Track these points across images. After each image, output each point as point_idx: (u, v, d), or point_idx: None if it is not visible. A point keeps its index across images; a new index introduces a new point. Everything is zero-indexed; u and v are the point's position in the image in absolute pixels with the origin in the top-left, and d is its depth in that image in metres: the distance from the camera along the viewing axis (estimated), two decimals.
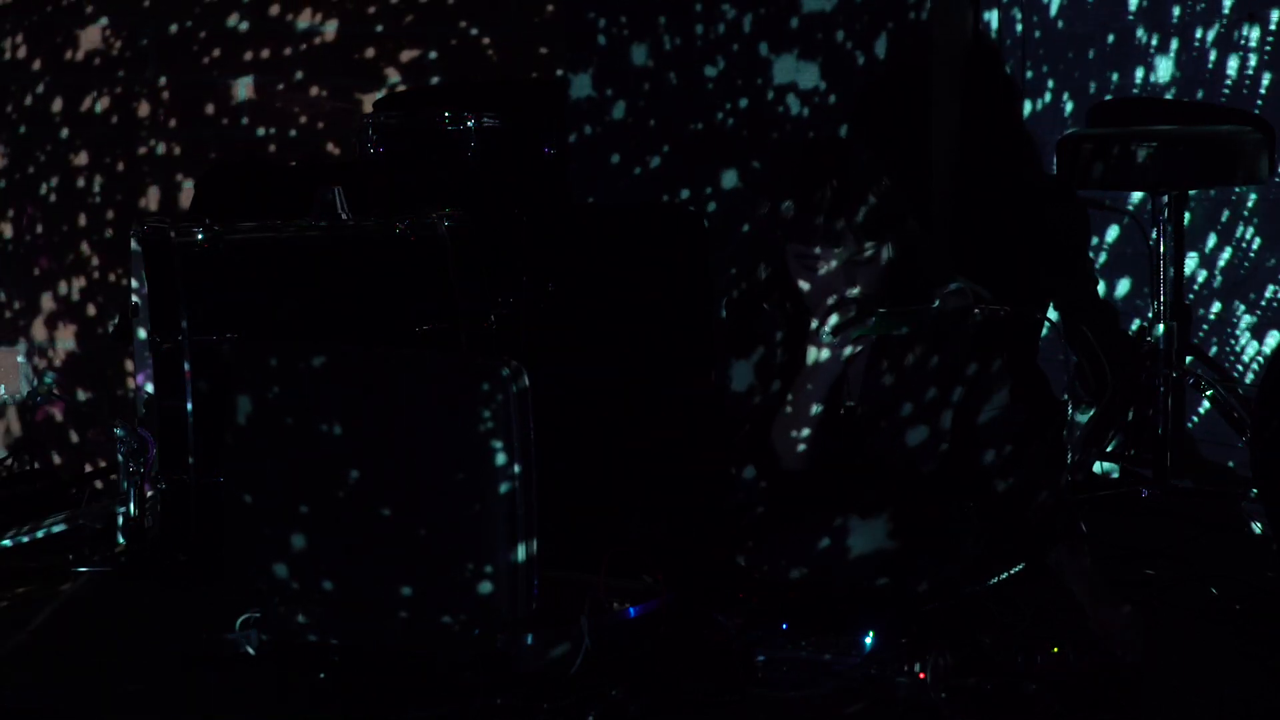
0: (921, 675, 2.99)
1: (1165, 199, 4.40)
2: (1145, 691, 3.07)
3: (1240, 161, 4.32)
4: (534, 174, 4.57)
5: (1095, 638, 3.16)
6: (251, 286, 3.98)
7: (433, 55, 5.24)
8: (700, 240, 4.75)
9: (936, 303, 3.39)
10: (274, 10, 5.17)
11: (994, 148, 4.92)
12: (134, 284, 4.09)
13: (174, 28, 5.08)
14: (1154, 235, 4.43)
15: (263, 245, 4.04)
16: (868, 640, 3.10)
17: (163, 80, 5.08)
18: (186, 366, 3.84)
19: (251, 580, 3.25)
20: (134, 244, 4.03)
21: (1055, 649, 3.07)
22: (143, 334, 3.99)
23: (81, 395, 4.94)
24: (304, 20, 5.18)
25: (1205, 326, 4.62)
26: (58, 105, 5.01)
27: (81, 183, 5.05)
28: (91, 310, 5.07)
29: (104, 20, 5.01)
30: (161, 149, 5.09)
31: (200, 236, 3.95)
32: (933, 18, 4.68)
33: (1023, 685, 3.00)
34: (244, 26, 5.14)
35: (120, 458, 3.98)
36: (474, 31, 5.26)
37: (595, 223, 4.83)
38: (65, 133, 5.02)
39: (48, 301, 5.04)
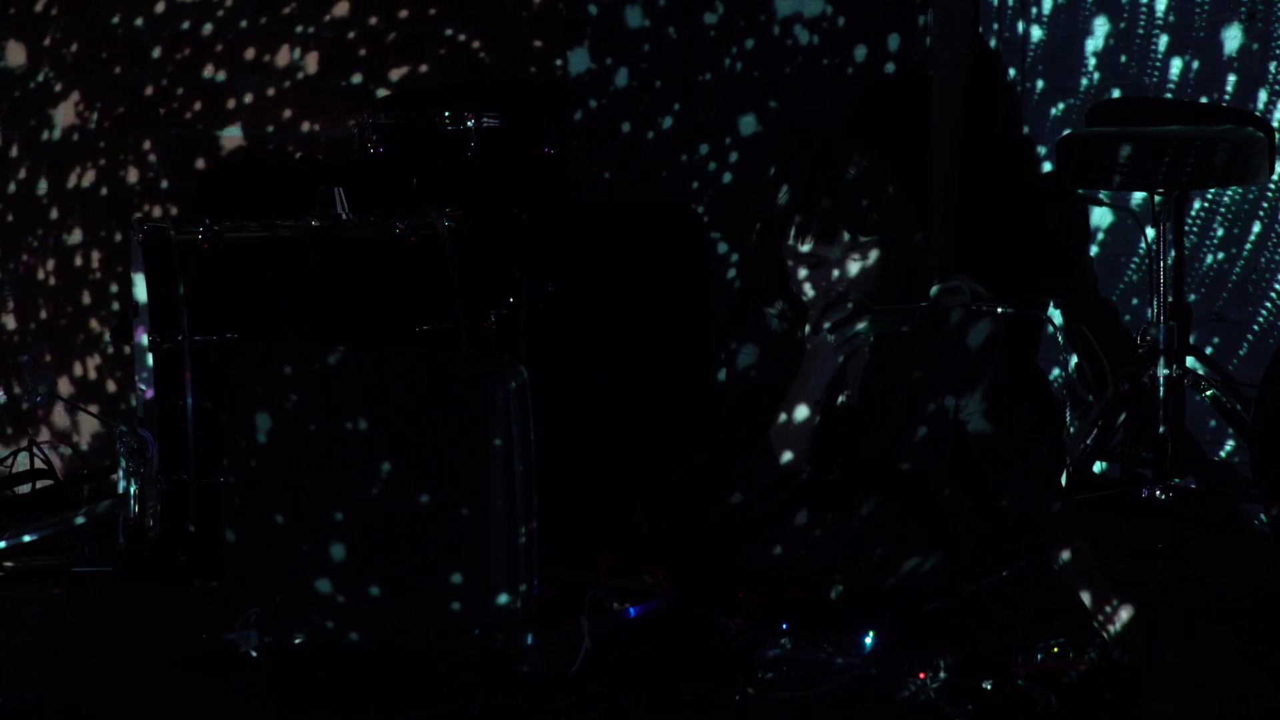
0: (921, 675, 2.99)
1: (1165, 199, 4.40)
2: (1145, 691, 3.07)
3: (1240, 161, 4.31)
4: (534, 174, 4.57)
5: (1095, 638, 3.16)
6: (251, 286, 3.98)
7: (424, 69, 5.18)
8: (700, 239, 4.74)
9: (934, 301, 3.39)
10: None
11: (994, 147, 4.91)
12: (134, 283, 4.09)
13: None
14: (1154, 235, 4.43)
15: (263, 245, 4.04)
16: (868, 640, 3.10)
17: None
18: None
19: (252, 579, 3.24)
20: (134, 243, 4.04)
21: (1055, 649, 3.07)
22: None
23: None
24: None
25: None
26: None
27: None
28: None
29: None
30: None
31: (200, 236, 3.95)
32: (933, 17, 4.67)
33: (1023, 685, 3.00)
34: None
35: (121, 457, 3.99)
36: (462, 37, 5.18)
37: (595, 222, 4.83)
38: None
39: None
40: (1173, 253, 4.46)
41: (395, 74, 5.17)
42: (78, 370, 4.94)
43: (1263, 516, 4.00)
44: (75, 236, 4.93)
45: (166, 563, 3.89)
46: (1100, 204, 4.78)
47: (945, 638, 3.25)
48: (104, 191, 4.96)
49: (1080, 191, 4.76)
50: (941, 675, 2.99)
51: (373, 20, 5.16)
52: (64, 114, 4.90)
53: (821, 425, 3.41)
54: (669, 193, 4.73)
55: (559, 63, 5.11)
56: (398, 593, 3.10)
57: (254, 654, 3.19)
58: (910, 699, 2.98)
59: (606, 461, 4.43)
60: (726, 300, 4.61)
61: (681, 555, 3.50)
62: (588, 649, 3.09)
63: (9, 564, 3.96)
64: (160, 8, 4.99)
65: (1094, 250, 4.82)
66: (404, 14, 5.17)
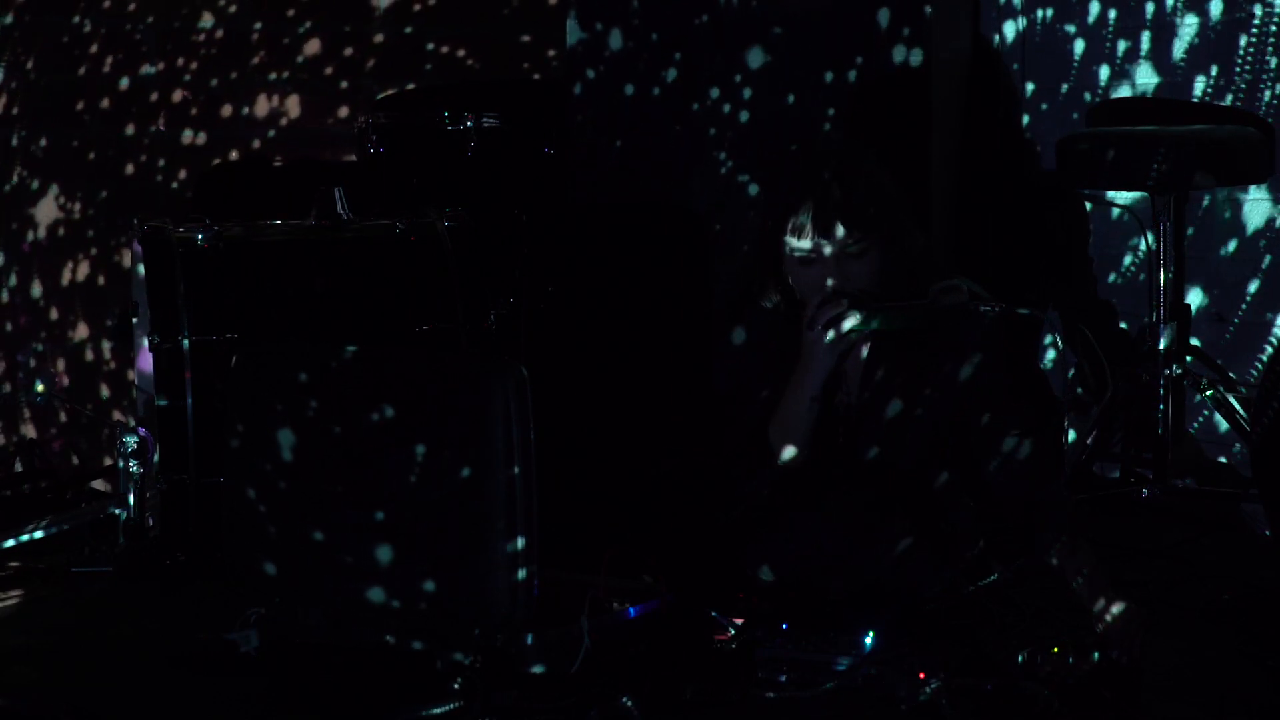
0: (921, 675, 2.99)
1: (1165, 199, 4.40)
2: (1145, 691, 3.07)
3: (1241, 161, 4.31)
4: (534, 174, 4.58)
5: (1095, 638, 3.16)
6: (251, 286, 3.98)
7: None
8: (700, 240, 4.75)
9: (932, 299, 3.38)
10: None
11: (994, 147, 4.91)
12: (134, 283, 4.09)
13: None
14: (1154, 235, 4.43)
15: (263, 245, 4.05)
16: (868, 640, 3.10)
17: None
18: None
19: (252, 581, 3.24)
20: (134, 243, 4.04)
21: (1055, 649, 3.07)
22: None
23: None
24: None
25: None
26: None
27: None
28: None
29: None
30: None
31: (200, 236, 3.95)
32: (933, 17, 4.67)
33: (1023, 685, 3.00)
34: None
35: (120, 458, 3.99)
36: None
37: (595, 222, 4.83)
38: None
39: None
40: (1173, 252, 4.46)
41: (384, 97, 5.13)
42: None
43: (1263, 516, 4.00)
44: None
45: (166, 563, 3.89)
46: (1100, 204, 4.78)
47: (945, 638, 3.25)
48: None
49: (1080, 191, 4.76)
50: (941, 675, 2.99)
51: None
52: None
53: (819, 423, 3.41)
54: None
55: (551, 54, 5.06)
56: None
57: (253, 653, 3.20)
58: (910, 699, 2.98)
59: (607, 461, 4.44)
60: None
61: (681, 555, 3.49)
62: (588, 649, 3.09)
63: (9, 564, 3.97)
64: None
65: (1094, 250, 4.82)
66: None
